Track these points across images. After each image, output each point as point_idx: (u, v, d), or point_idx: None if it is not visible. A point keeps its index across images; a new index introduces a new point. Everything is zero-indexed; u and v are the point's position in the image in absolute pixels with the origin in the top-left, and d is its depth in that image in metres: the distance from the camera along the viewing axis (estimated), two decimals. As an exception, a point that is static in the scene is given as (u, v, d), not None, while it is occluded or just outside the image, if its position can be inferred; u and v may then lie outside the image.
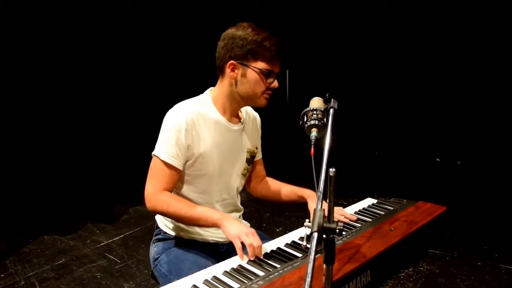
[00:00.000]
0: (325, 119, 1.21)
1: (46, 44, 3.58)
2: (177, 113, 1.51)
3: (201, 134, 1.52)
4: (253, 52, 1.47)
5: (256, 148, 1.78)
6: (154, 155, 1.51)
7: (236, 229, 1.38)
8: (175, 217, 1.53)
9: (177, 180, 1.55)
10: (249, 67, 1.48)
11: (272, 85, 1.52)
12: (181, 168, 1.52)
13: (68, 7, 3.78)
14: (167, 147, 1.48)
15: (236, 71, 1.50)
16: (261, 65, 1.48)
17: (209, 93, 1.62)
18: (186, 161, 1.53)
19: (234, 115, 1.63)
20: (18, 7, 3.29)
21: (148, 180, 1.52)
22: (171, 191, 1.53)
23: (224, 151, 1.59)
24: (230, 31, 1.52)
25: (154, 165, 1.51)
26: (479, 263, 2.89)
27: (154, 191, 1.49)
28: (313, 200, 1.64)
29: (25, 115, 3.49)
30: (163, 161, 1.48)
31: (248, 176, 1.81)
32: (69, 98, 3.76)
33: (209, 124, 1.54)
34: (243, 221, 1.82)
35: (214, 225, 1.46)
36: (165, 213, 1.51)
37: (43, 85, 3.59)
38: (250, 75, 1.49)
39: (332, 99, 1.23)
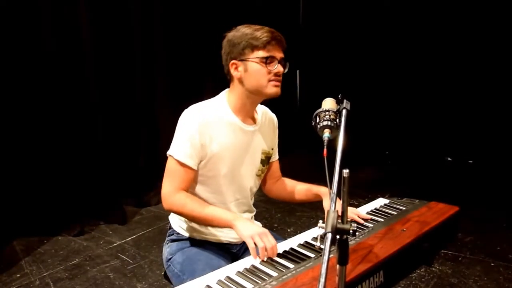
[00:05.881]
0: (337, 120, 1.21)
1: (52, 44, 3.60)
2: (191, 113, 1.53)
3: (215, 135, 1.53)
4: (248, 45, 1.50)
5: (272, 149, 1.79)
6: (169, 155, 1.54)
7: (249, 229, 1.39)
8: (189, 217, 1.56)
9: (193, 179, 1.57)
10: (248, 61, 1.51)
11: (275, 70, 1.51)
12: (195, 167, 1.54)
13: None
14: (182, 147, 1.51)
15: (239, 69, 1.53)
16: (258, 54, 1.50)
17: (224, 94, 1.64)
18: (200, 161, 1.55)
19: (249, 116, 1.65)
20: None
21: (165, 180, 1.54)
22: (187, 190, 1.55)
23: (237, 152, 1.60)
24: (227, 36, 1.57)
25: (169, 165, 1.54)
26: (492, 264, 2.86)
27: (171, 191, 1.52)
28: (329, 198, 1.64)
29: (38, 116, 3.52)
30: (178, 161, 1.51)
31: (264, 177, 1.82)
32: (81, 99, 3.79)
33: (223, 125, 1.56)
34: (255, 221, 1.83)
35: (227, 226, 1.47)
36: (180, 213, 1.54)
37: (54, 89, 3.62)
38: (251, 67, 1.51)
39: (345, 100, 1.23)
